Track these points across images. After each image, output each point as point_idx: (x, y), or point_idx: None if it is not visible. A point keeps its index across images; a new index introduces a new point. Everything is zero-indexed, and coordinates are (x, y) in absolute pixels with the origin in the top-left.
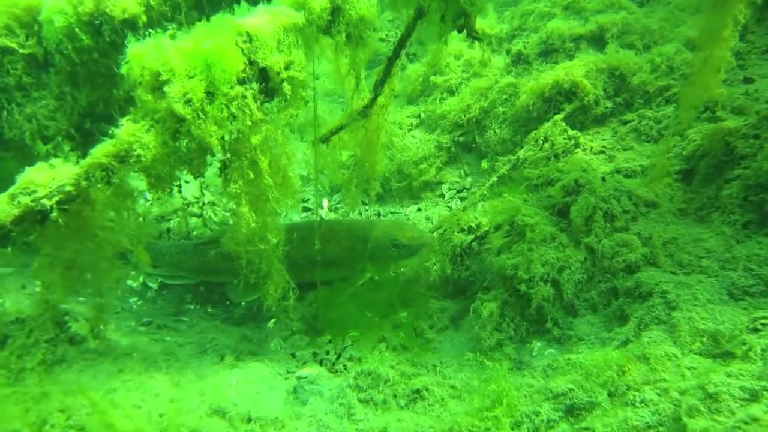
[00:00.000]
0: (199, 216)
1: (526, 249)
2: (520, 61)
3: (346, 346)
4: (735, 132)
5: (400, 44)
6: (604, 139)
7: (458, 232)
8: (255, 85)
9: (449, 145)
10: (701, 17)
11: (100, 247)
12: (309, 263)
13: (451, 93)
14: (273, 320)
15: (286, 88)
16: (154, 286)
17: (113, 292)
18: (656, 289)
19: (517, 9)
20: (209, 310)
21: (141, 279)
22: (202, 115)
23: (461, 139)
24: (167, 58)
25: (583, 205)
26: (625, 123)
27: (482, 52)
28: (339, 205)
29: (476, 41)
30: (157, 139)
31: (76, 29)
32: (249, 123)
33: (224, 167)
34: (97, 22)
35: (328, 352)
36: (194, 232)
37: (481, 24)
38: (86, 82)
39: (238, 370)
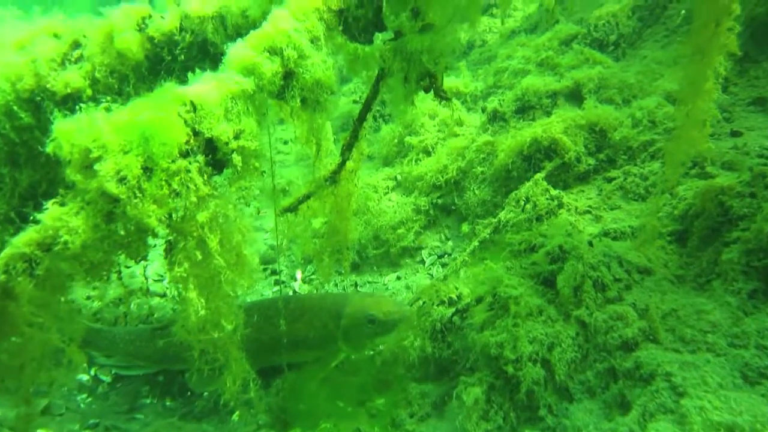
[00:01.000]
0: (163, 296)
1: (511, 324)
2: (496, 118)
3: None
4: (729, 190)
5: (366, 107)
6: (590, 198)
7: (438, 305)
8: (201, 158)
9: (428, 207)
10: (680, 69)
11: (26, 347)
12: (277, 345)
13: (428, 153)
14: (237, 413)
15: (236, 159)
16: (107, 378)
17: (57, 391)
18: (659, 371)
19: (490, 67)
20: (167, 403)
21: (92, 372)
22: (138, 194)
23: (440, 201)
24: (99, 133)
25: (570, 273)
26: (609, 180)
27: (452, 111)
28: (313, 276)
29: (445, 101)
30: (88, 223)
31: (15, 107)
32: (194, 199)
33: (169, 249)
34: (38, 98)
35: None
36: (155, 315)
37: (455, 83)
38: (27, 162)
39: None
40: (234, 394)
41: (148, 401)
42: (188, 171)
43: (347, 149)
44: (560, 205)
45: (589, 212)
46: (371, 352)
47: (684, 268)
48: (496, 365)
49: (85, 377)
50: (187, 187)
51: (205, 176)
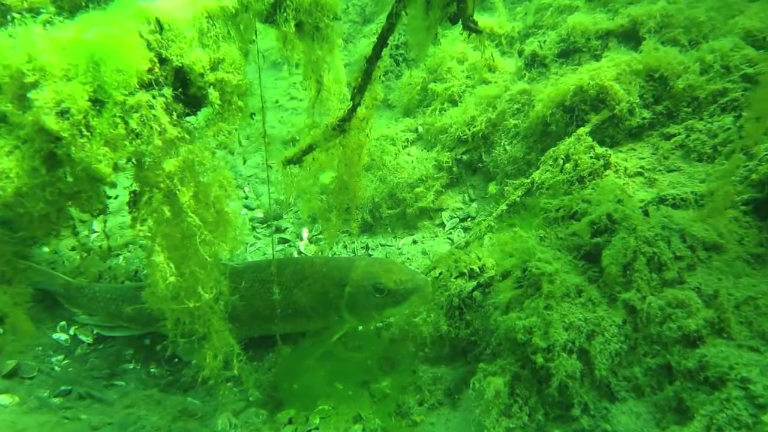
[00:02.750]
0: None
1: (542, 306)
2: (534, 63)
3: (310, 430)
4: None
5: (381, 41)
6: (642, 158)
7: (457, 277)
8: (168, 91)
9: (451, 164)
10: None
11: None
12: (271, 313)
13: (454, 103)
14: (229, 384)
15: (214, 95)
16: (88, 339)
17: (29, 351)
18: (732, 375)
19: (531, 3)
20: (152, 370)
21: (71, 331)
22: (86, 132)
23: (465, 157)
24: (36, 53)
25: (620, 248)
26: (668, 137)
27: (483, 50)
28: (321, 236)
29: (475, 34)
30: (23, 166)
31: None
32: (159, 143)
33: (132, 202)
34: None
35: None
36: (144, 271)
37: (488, 22)
38: None
39: None
40: (215, 369)
41: (131, 366)
42: (151, 107)
43: (358, 93)
44: (606, 165)
45: (640, 174)
46: (378, 326)
47: (764, 246)
48: (523, 353)
49: (63, 336)
50: (150, 127)
51: (174, 115)
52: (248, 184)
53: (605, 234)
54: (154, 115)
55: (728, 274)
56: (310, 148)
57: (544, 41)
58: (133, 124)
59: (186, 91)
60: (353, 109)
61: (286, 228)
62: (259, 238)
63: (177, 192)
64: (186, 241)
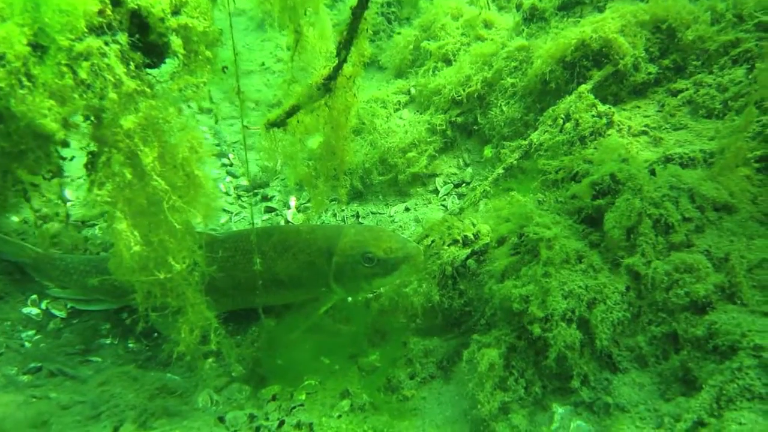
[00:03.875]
0: None
1: (540, 273)
2: (533, 18)
3: (295, 406)
4: None
5: None
6: (647, 116)
7: (450, 245)
8: (123, 38)
9: (444, 127)
10: None
11: None
12: (255, 284)
13: (448, 62)
14: (210, 360)
15: (176, 43)
16: (61, 313)
17: None
18: (744, 342)
19: None
20: (130, 345)
21: (43, 305)
22: (27, 82)
23: (459, 119)
24: None
25: (624, 210)
26: (675, 93)
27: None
28: (309, 204)
29: None
30: None
31: None
32: (114, 96)
33: (90, 164)
34: None
35: (268, 416)
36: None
37: None
38: None
39: None
40: (191, 344)
41: (108, 341)
42: (104, 55)
43: (344, 48)
44: (609, 124)
45: (645, 133)
46: (368, 297)
47: None
48: (519, 323)
49: (34, 311)
50: (104, 78)
51: (132, 66)
52: (233, 150)
53: (608, 195)
54: (108, 65)
55: (740, 235)
56: (294, 110)
57: None
58: (82, 74)
59: (145, 38)
60: (339, 67)
61: (273, 196)
62: (245, 207)
63: (139, 153)
64: (153, 208)
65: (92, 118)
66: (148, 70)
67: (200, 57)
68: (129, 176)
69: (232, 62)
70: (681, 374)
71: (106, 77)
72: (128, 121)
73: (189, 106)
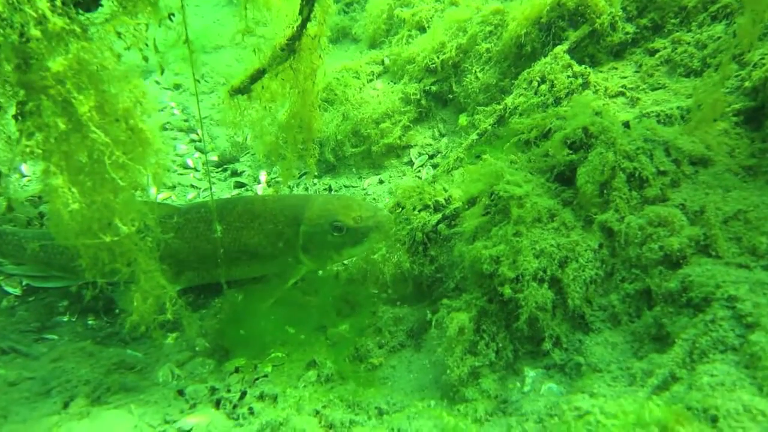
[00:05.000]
0: None
1: (511, 233)
2: None
3: (258, 378)
4: None
5: None
6: (624, 77)
7: (420, 211)
8: None
9: (419, 97)
10: None
11: None
12: (223, 255)
13: (422, 30)
14: (174, 335)
15: None
16: (16, 291)
17: None
18: (718, 294)
19: None
20: (90, 322)
21: None
22: None
23: (434, 88)
24: None
25: (597, 164)
26: (652, 53)
27: None
28: (281, 179)
29: None
30: None
31: None
32: (37, 33)
33: (20, 114)
34: None
35: (230, 388)
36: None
37: None
38: None
39: (86, 422)
40: (145, 313)
41: (65, 319)
42: None
43: (307, 4)
44: (585, 85)
45: (622, 94)
46: (337, 269)
47: (757, 157)
48: (490, 285)
49: None
50: (22, 11)
51: (58, 1)
52: (201, 126)
53: (581, 150)
54: None
55: (716, 188)
56: (258, 75)
57: None
58: None
59: None
60: (303, 25)
61: (243, 171)
62: (214, 183)
63: (73, 101)
64: (95, 165)
65: (19, 64)
66: (81, 12)
67: None
68: (63, 126)
69: (179, 8)
70: (654, 331)
71: (27, 12)
72: (57, 64)
73: (157, 82)
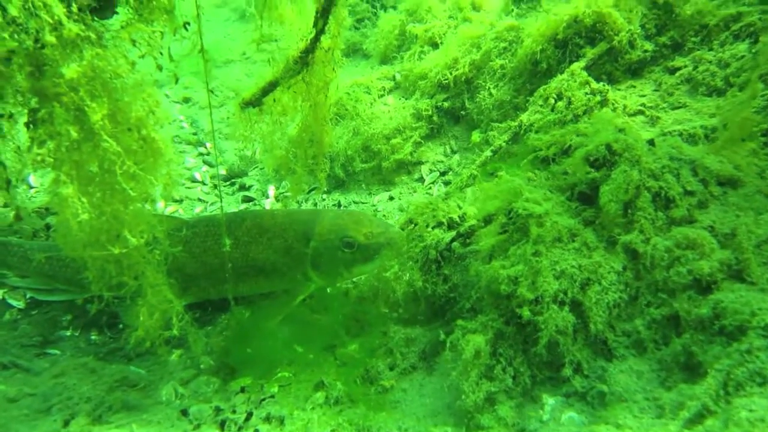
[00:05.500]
0: None
1: (530, 253)
2: None
3: (264, 398)
4: None
5: None
6: (643, 95)
7: (434, 228)
8: None
9: (431, 113)
10: None
11: None
12: (231, 271)
13: (435, 46)
14: (179, 352)
15: None
16: (19, 304)
17: None
18: (753, 322)
19: None
20: (93, 337)
21: (0, 294)
22: None
23: (446, 104)
24: None
25: (621, 183)
26: (673, 71)
27: None
28: (290, 193)
29: None
30: None
31: None
32: (52, 39)
33: (31, 121)
34: None
35: (235, 409)
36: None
37: None
38: None
39: None
40: (151, 329)
41: (68, 333)
42: None
43: (321, 16)
44: (604, 102)
45: (641, 113)
46: (347, 286)
47: None
48: (507, 307)
49: None
50: (38, 16)
51: (74, 7)
52: (210, 139)
53: (604, 168)
54: (45, 3)
55: (747, 210)
56: (270, 87)
57: None
58: (13, 11)
59: None
60: (316, 38)
61: (251, 186)
62: (222, 197)
63: (86, 108)
64: (105, 175)
65: (32, 70)
66: (96, 18)
67: (154, 4)
68: (75, 135)
69: (194, 17)
70: (683, 359)
71: (43, 17)
72: (71, 71)
73: (166, 95)
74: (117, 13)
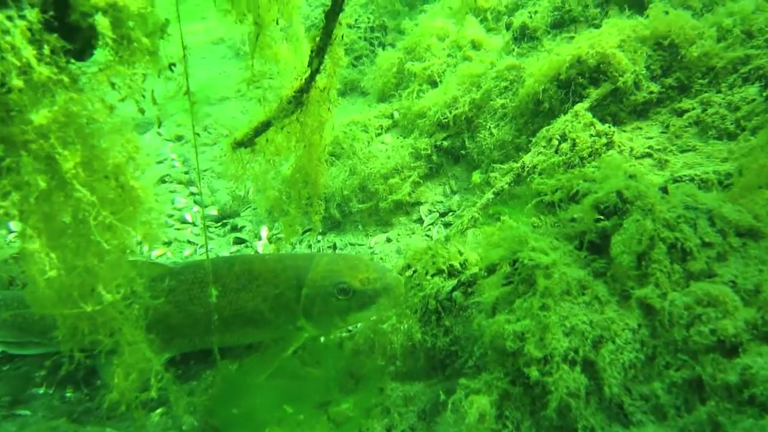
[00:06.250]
0: None
1: (537, 306)
2: (524, 37)
3: None
4: None
5: None
6: (650, 137)
7: (433, 276)
8: (33, 14)
9: (430, 152)
10: None
11: None
12: (218, 321)
13: (434, 85)
14: (160, 411)
15: (103, 24)
16: None
17: None
18: None
19: None
20: (68, 395)
21: None
22: None
23: (446, 143)
24: None
25: (634, 233)
26: (680, 113)
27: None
28: (283, 235)
29: None
30: None
31: None
32: (19, 83)
33: None
34: None
35: None
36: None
37: None
38: None
39: None
40: (126, 390)
41: (41, 391)
42: (6, 32)
43: (317, 55)
44: (609, 145)
45: (649, 155)
46: (342, 336)
47: None
48: (514, 365)
49: None
50: (5, 60)
51: (46, 49)
52: (202, 178)
53: (614, 216)
54: (12, 45)
55: None
56: (263, 127)
57: (535, 12)
58: None
59: (64, 17)
60: (312, 77)
61: (243, 227)
62: (212, 239)
63: (57, 156)
64: (79, 226)
65: None
66: (72, 60)
67: (135, 45)
68: (43, 185)
69: (180, 59)
70: (709, 430)
71: (9, 60)
72: (40, 116)
73: (159, 133)
74: (94, 54)
